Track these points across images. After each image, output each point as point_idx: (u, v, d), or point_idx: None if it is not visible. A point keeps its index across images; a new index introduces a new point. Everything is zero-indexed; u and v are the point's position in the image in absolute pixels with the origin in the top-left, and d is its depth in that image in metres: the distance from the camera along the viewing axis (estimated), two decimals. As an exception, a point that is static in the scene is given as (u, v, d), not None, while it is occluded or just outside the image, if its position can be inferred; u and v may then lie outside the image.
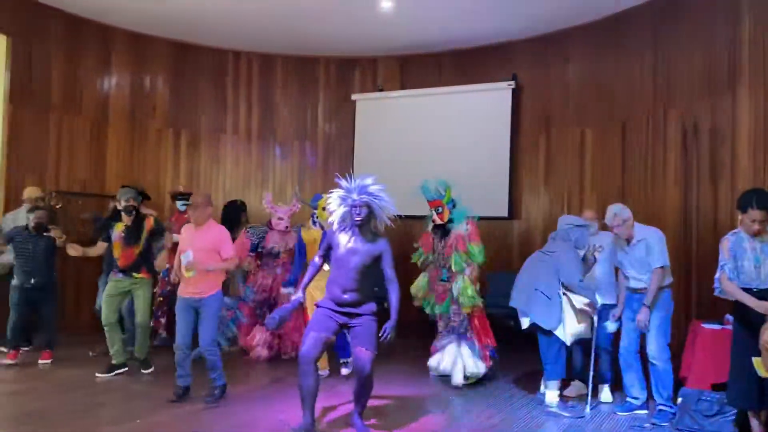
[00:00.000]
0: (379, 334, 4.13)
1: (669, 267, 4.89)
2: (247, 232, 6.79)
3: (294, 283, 6.01)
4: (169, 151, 9.12)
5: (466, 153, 8.51)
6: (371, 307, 4.21)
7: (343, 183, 4.21)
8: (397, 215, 4.23)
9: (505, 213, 8.36)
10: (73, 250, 5.86)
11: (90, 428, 4.21)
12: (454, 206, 5.78)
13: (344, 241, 4.19)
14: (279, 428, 4.32)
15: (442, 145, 8.69)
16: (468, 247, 5.61)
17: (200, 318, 5.01)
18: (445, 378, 5.72)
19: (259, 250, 6.71)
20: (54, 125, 7.91)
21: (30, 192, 6.77)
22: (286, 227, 6.62)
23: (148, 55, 8.86)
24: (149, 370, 5.85)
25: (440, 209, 5.73)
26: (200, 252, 4.98)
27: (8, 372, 5.78)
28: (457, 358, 5.60)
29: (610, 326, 5.08)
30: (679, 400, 4.63)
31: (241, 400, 5.03)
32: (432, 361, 5.82)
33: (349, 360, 5.81)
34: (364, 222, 4.17)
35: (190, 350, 5.01)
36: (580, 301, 4.91)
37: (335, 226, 4.25)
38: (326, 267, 4.65)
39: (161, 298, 7.19)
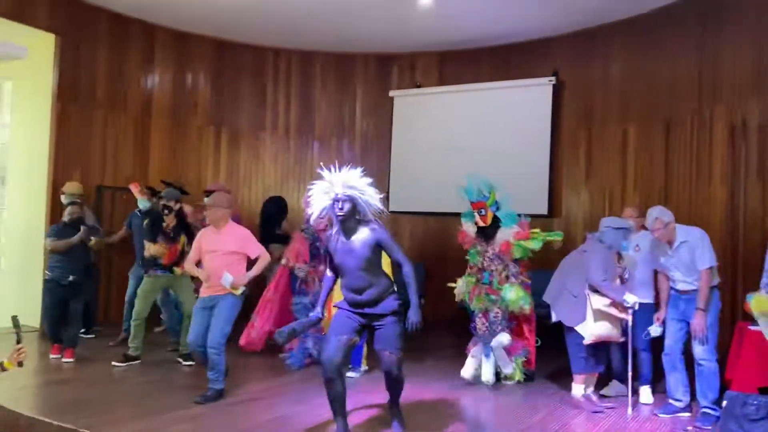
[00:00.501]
0: (405, 326, 3.91)
1: (716, 266, 4.78)
2: (303, 232, 6.47)
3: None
4: (210, 148, 9.27)
5: (506, 150, 8.43)
6: (392, 305, 3.95)
7: (326, 174, 3.92)
8: (381, 211, 3.94)
9: (544, 211, 8.25)
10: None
11: (133, 417, 4.31)
12: (497, 209, 5.63)
13: (336, 243, 3.95)
14: (319, 422, 4.35)
15: (481, 141, 8.63)
16: (515, 245, 5.54)
17: (214, 314, 4.87)
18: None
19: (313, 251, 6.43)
20: (100, 122, 8.11)
21: (68, 188, 6.88)
22: (325, 226, 6.52)
23: (190, 53, 9.01)
24: (190, 363, 5.94)
25: (483, 211, 5.55)
26: (226, 256, 4.92)
27: (52, 362, 5.94)
28: (483, 358, 5.56)
29: (654, 330, 4.97)
30: (724, 403, 4.51)
31: (278, 394, 5.09)
32: (464, 372, 5.64)
33: (353, 368, 5.77)
34: (347, 217, 3.88)
35: (204, 348, 4.86)
36: (599, 302, 4.91)
37: (313, 219, 4.05)
38: None
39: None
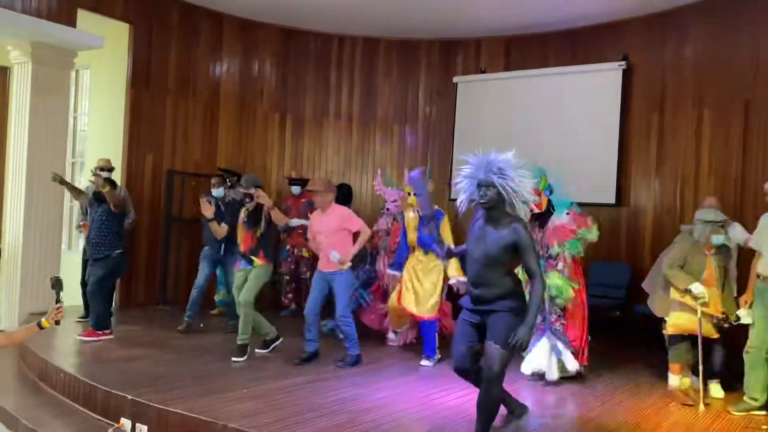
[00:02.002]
0: (510, 338, 3.49)
1: None
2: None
3: (400, 266, 6.02)
4: (276, 135, 9.43)
5: (573, 136, 8.22)
6: (510, 303, 3.59)
7: (473, 158, 3.60)
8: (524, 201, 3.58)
9: (612, 200, 8.02)
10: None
11: (201, 393, 4.45)
12: (551, 192, 5.44)
13: (474, 228, 3.68)
14: (379, 404, 4.40)
15: (547, 128, 8.43)
16: (578, 233, 5.31)
17: (333, 291, 5.47)
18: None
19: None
20: (170, 108, 8.37)
21: (99, 162, 6.91)
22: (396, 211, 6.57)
23: (256, 40, 9.17)
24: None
25: (537, 198, 5.32)
26: (331, 234, 5.41)
27: (125, 339, 6.16)
28: (552, 353, 5.34)
29: (744, 317, 4.77)
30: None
31: (340, 377, 5.16)
32: (524, 368, 5.33)
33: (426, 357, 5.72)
34: (493, 205, 3.54)
35: (318, 317, 5.52)
36: (675, 293, 4.96)
37: (461, 207, 3.67)
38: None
39: (288, 276, 7.62)
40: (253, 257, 5.67)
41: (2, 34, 6.98)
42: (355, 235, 5.55)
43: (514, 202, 3.54)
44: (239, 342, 5.57)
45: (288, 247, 7.75)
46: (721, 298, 4.89)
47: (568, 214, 5.39)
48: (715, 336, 4.88)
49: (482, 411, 3.61)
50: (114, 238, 5.99)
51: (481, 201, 3.55)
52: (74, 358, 5.62)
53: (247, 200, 5.77)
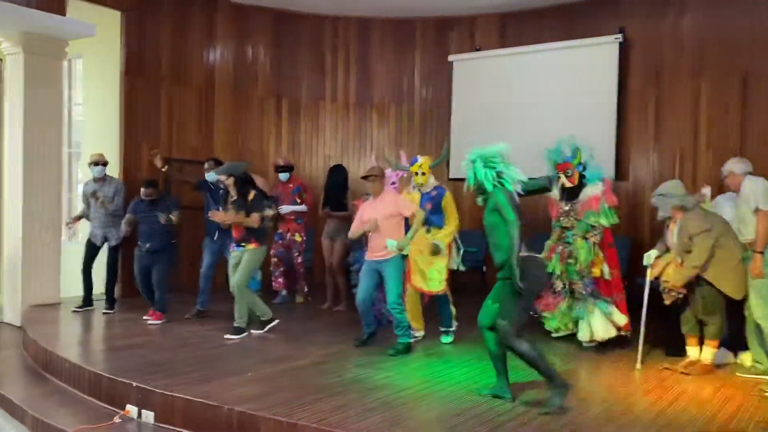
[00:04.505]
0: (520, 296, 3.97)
1: None
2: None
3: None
4: (272, 119, 9.38)
5: (570, 112, 8.17)
6: (504, 272, 4.09)
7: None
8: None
9: (611, 174, 7.98)
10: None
11: (206, 378, 4.47)
12: (584, 169, 5.70)
13: None
14: (387, 384, 4.41)
15: (544, 104, 8.40)
16: (601, 207, 5.53)
17: (384, 278, 5.39)
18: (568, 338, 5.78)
19: None
20: (165, 95, 8.30)
21: (91, 157, 7.02)
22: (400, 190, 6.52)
23: (250, 25, 9.09)
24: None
25: (570, 172, 5.65)
26: (385, 220, 5.35)
27: (127, 327, 6.22)
28: (585, 318, 5.55)
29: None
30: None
31: (343, 359, 5.17)
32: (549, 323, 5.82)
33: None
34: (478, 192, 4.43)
35: (370, 305, 5.53)
36: None
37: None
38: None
39: (276, 259, 7.50)
40: (244, 244, 5.87)
41: (-8, 25, 6.92)
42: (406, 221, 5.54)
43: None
44: (235, 324, 5.82)
45: (281, 231, 7.57)
46: (675, 266, 4.93)
47: (602, 180, 5.64)
48: (667, 303, 4.97)
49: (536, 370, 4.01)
50: (170, 230, 6.52)
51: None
52: (78, 347, 5.64)
53: (221, 188, 6.00)
